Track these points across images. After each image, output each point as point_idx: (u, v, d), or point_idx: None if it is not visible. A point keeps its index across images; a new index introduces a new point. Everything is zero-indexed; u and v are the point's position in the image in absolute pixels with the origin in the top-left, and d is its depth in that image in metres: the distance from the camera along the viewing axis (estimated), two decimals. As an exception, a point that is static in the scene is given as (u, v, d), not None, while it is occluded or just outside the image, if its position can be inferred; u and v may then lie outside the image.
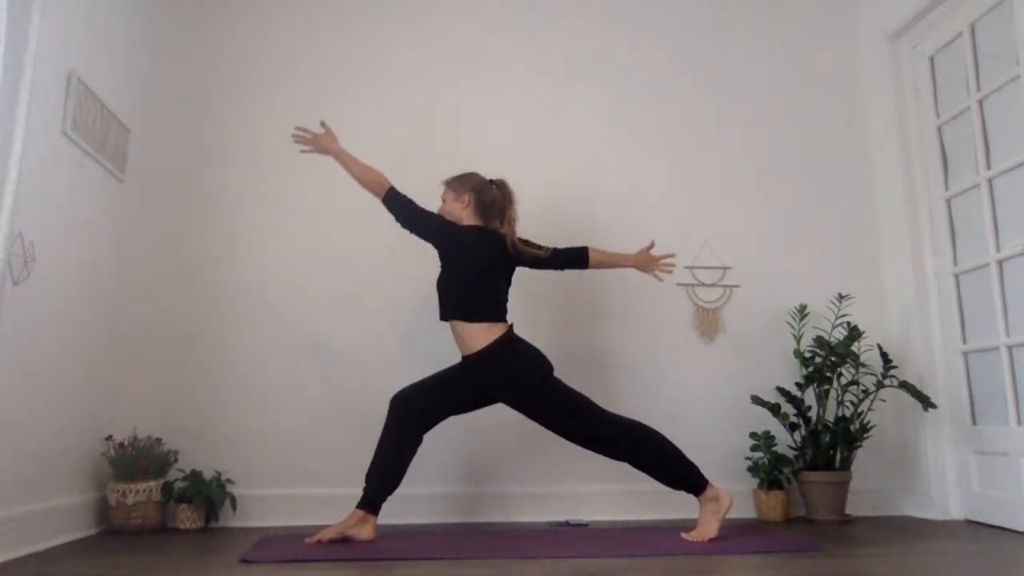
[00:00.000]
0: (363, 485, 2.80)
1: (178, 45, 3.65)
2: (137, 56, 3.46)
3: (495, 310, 2.85)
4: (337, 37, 3.74)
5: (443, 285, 2.89)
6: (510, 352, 2.81)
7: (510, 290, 2.96)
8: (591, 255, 3.06)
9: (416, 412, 2.83)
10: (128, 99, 3.35)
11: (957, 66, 3.41)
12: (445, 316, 2.88)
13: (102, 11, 3.15)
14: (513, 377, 2.82)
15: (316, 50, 3.71)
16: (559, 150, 3.72)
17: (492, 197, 2.93)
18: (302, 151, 3.00)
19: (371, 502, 2.78)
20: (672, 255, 3.15)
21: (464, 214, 2.92)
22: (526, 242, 2.97)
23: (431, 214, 2.89)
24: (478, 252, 2.86)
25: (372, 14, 3.77)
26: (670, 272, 3.16)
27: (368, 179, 2.90)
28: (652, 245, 3.13)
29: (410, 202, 2.88)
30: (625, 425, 2.81)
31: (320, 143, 2.97)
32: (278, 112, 3.64)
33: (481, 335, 2.78)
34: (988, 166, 3.23)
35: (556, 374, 2.86)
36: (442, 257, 2.90)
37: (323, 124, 2.98)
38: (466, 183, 2.94)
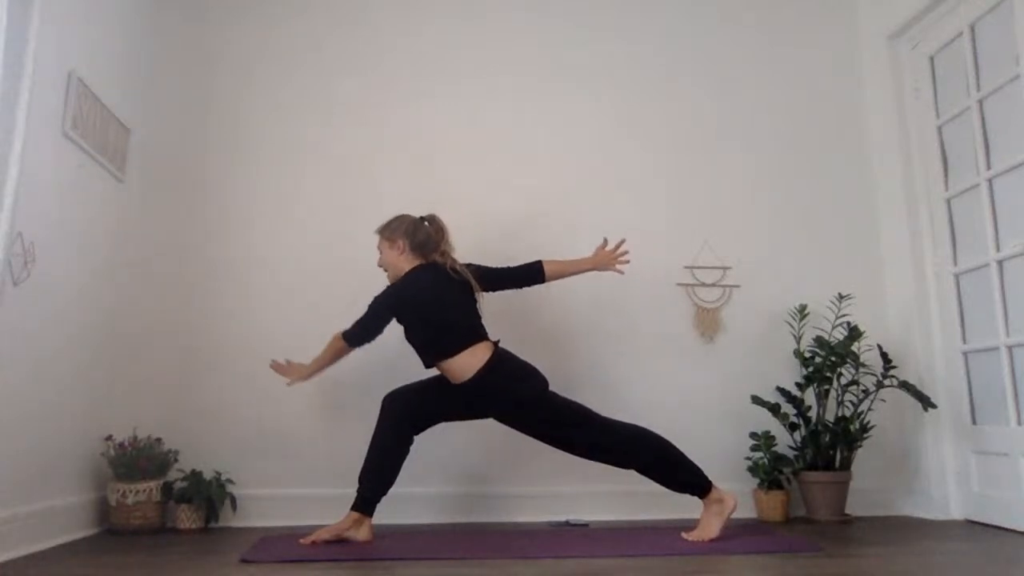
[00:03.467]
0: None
1: (178, 45, 3.64)
2: (137, 56, 3.46)
3: (470, 334, 2.81)
4: (337, 38, 3.73)
5: (413, 338, 2.88)
6: (501, 374, 2.78)
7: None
8: (546, 268, 3.02)
9: (408, 412, 2.83)
10: (128, 99, 3.35)
11: (957, 66, 3.41)
12: (429, 364, 2.86)
13: (102, 11, 3.15)
14: (509, 397, 2.80)
15: (316, 50, 3.71)
16: (559, 150, 3.71)
17: (425, 235, 2.93)
18: (288, 384, 3.05)
19: (365, 503, 2.77)
20: (623, 240, 3.07)
21: (403, 260, 2.92)
22: (472, 266, 2.96)
23: (376, 310, 2.86)
24: (424, 290, 2.85)
25: (373, 15, 3.77)
26: (627, 262, 3.08)
27: (335, 354, 2.95)
28: (605, 243, 3.08)
29: (360, 324, 2.88)
30: (627, 433, 2.80)
31: (295, 373, 3.02)
32: (278, 112, 3.65)
33: (467, 363, 2.76)
34: (988, 166, 3.23)
35: (556, 375, 2.85)
36: (401, 319, 2.89)
37: (288, 362, 3.04)
38: (397, 229, 2.94)
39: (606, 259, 3.06)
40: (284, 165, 3.61)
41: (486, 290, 2.97)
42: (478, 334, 2.83)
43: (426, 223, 2.96)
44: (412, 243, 2.91)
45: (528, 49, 3.80)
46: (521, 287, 3.06)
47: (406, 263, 2.91)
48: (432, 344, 2.83)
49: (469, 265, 2.95)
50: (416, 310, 2.85)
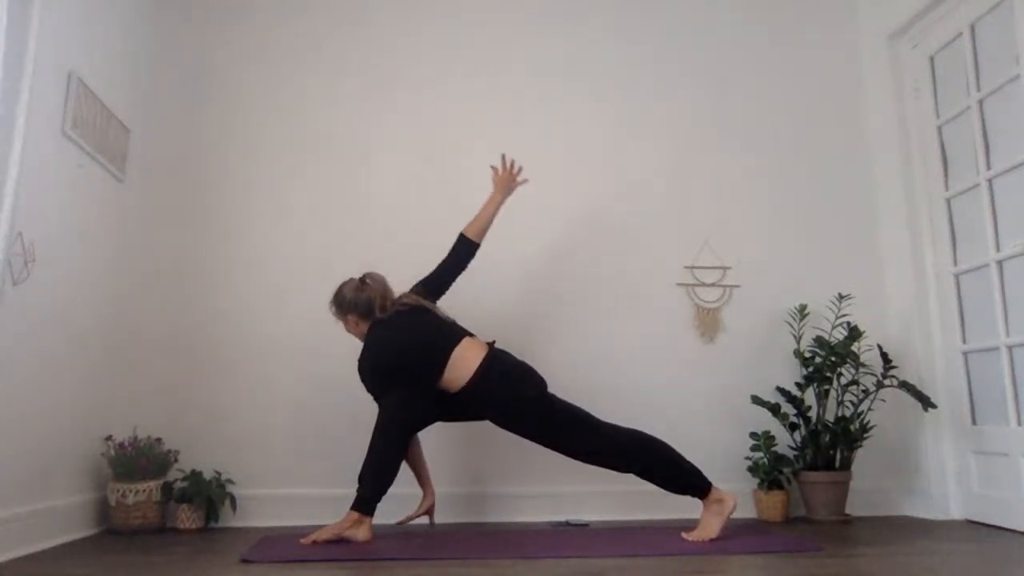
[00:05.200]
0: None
1: (178, 45, 3.65)
2: (137, 56, 3.46)
3: (448, 340, 2.82)
4: (337, 38, 3.73)
5: (405, 383, 2.87)
6: (498, 373, 2.78)
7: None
8: (468, 233, 3.07)
9: (405, 412, 2.83)
10: (128, 99, 3.35)
11: (957, 66, 3.41)
12: (433, 383, 2.85)
13: (102, 11, 3.15)
14: (506, 396, 2.80)
15: (316, 50, 3.71)
16: (559, 150, 3.71)
17: (367, 299, 2.94)
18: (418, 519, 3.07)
19: (365, 503, 2.76)
20: (503, 154, 3.15)
21: (360, 330, 2.97)
22: (414, 287, 3.00)
23: (376, 390, 2.87)
24: (385, 341, 2.86)
25: (373, 15, 3.77)
26: (522, 167, 3.16)
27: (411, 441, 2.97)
28: (497, 171, 3.15)
29: (379, 406, 2.88)
30: (625, 437, 2.79)
31: (431, 495, 3.05)
32: (278, 112, 3.65)
33: (459, 368, 2.77)
34: (988, 166, 3.23)
35: (554, 376, 2.84)
36: (387, 380, 2.89)
37: (431, 518, 3.06)
38: (341, 306, 2.98)
39: (506, 182, 3.15)
40: (284, 165, 3.61)
41: (438, 296, 3.01)
42: (456, 335, 2.84)
43: (367, 282, 2.97)
44: (359, 314, 2.96)
45: (528, 49, 3.80)
46: (464, 267, 3.08)
47: (362, 329, 2.97)
48: (422, 375, 2.83)
49: (413, 288, 3.00)
50: (393, 361, 2.85)
